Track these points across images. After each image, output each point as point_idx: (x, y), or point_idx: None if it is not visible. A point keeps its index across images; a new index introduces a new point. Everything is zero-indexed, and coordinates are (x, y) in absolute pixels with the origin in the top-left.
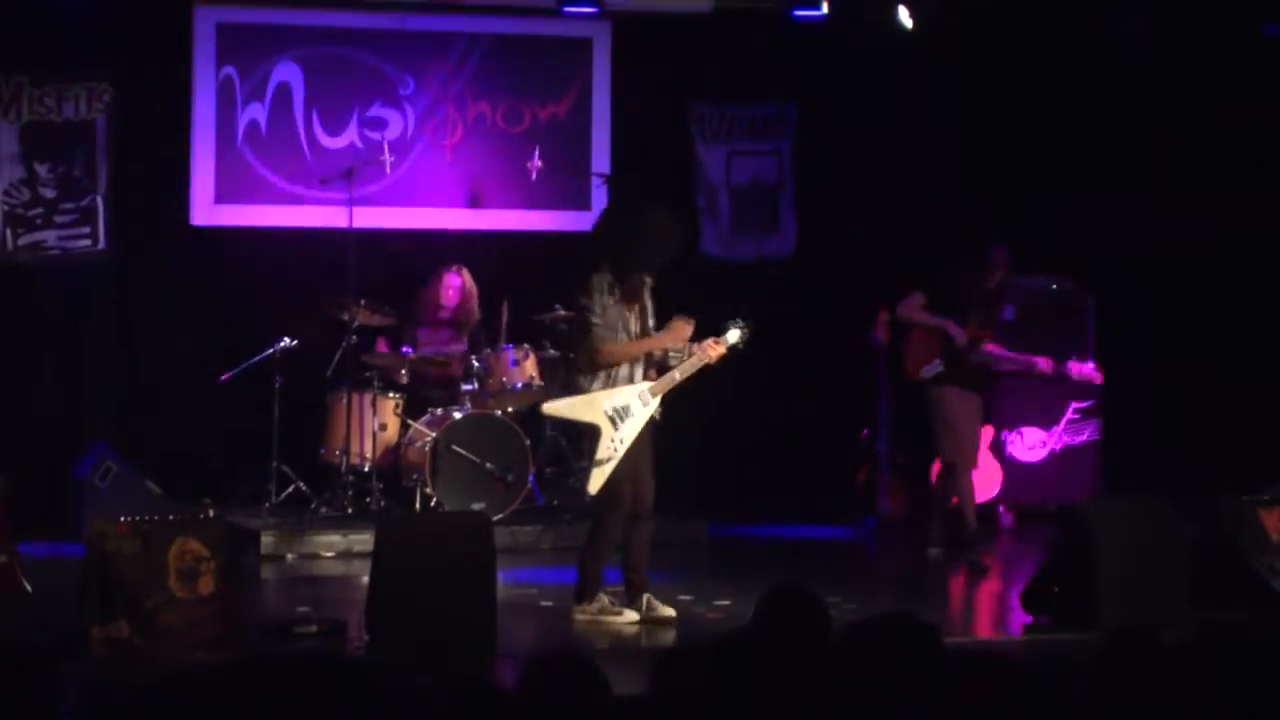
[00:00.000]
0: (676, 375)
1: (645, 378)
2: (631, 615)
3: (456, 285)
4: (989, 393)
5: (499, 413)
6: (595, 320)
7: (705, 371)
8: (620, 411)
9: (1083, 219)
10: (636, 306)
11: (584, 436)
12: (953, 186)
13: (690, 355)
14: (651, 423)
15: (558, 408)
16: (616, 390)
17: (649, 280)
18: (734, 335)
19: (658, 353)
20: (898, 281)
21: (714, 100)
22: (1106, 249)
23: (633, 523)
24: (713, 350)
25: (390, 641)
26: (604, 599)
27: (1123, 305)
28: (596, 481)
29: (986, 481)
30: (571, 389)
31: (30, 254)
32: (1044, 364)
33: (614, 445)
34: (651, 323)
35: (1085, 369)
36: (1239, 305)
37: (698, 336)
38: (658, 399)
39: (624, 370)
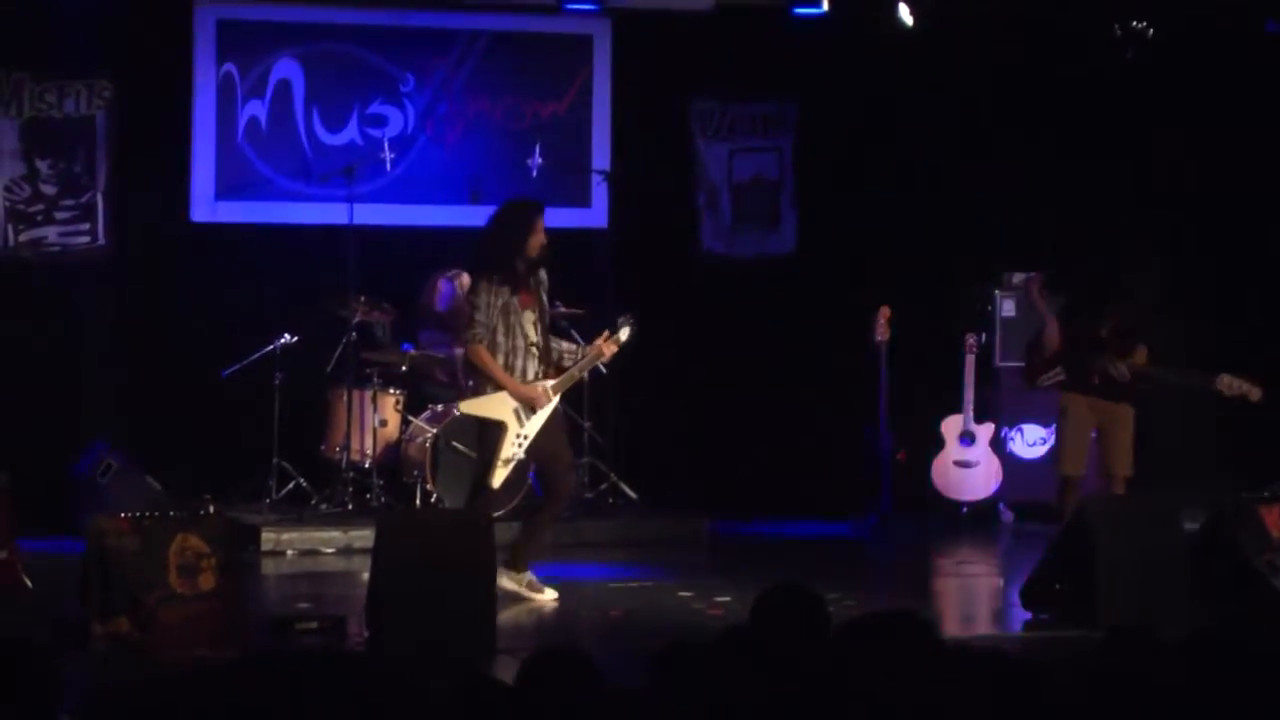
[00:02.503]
0: (575, 374)
1: (546, 376)
2: (552, 594)
3: (447, 294)
4: (1129, 399)
5: None
6: (476, 318)
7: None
8: (525, 409)
9: (1081, 216)
10: (534, 305)
11: (487, 434)
12: (952, 185)
13: (585, 355)
14: (559, 413)
15: (473, 405)
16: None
17: (543, 280)
18: (625, 332)
19: (554, 351)
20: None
21: (715, 98)
22: (1105, 246)
23: (546, 507)
24: (606, 349)
25: (391, 637)
26: (531, 575)
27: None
28: (499, 476)
29: (986, 479)
30: (480, 387)
31: (31, 250)
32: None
33: (519, 441)
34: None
35: (1242, 387)
36: (1240, 302)
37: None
38: (558, 396)
39: (518, 366)
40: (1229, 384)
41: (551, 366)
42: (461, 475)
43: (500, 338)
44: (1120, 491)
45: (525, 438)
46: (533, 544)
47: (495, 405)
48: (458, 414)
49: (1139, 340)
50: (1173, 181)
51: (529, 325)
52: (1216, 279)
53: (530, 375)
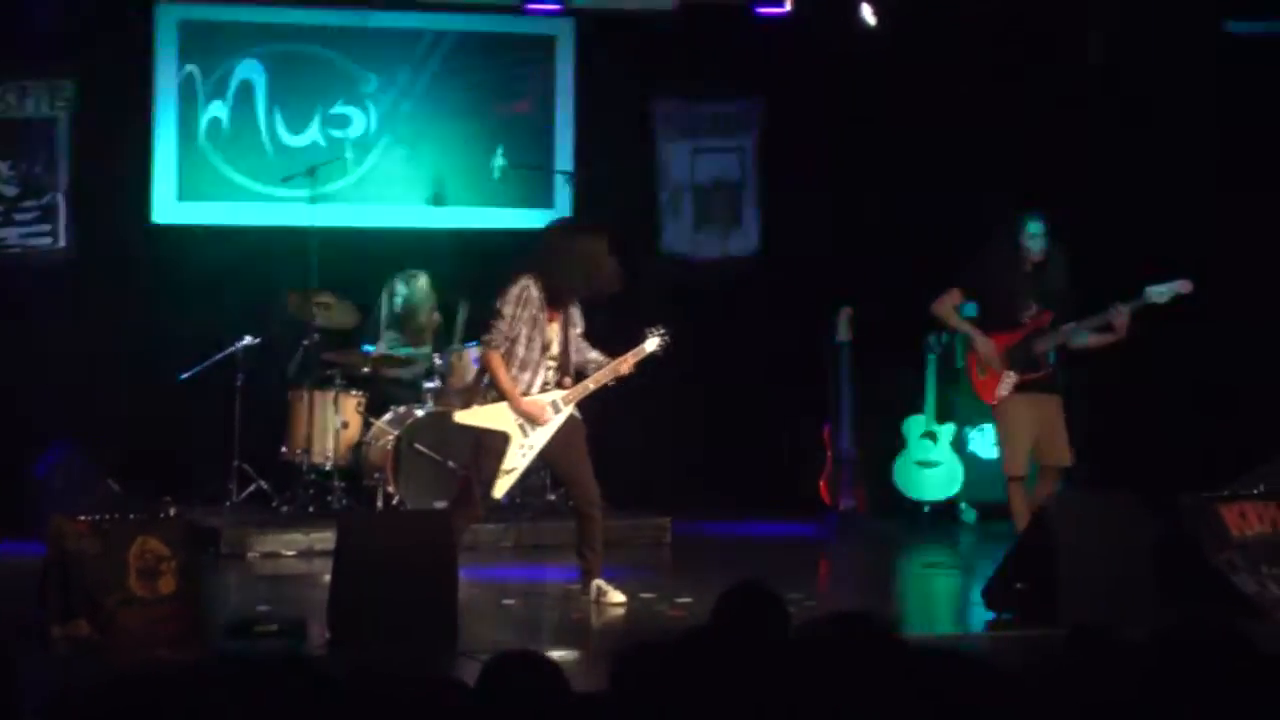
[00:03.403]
0: (590, 385)
1: (559, 385)
2: (621, 596)
3: (402, 294)
4: (1056, 389)
5: None
6: (497, 326)
7: (621, 380)
8: (530, 420)
9: (1045, 216)
10: (559, 317)
11: (489, 444)
12: (915, 184)
13: (607, 367)
14: (575, 422)
15: (469, 416)
16: (527, 399)
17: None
18: (652, 344)
19: (575, 358)
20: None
21: (677, 97)
22: (1071, 245)
23: (583, 520)
24: (629, 361)
25: (352, 640)
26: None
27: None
28: (502, 488)
29: (948, 479)
30: (483, 397)
31: None
32: (1119, 315)
33: (523, 452)
34: (579, 330)
35: (1167, 288)
36: (1205, 300)
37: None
38: (570, 407)
39: (525, 379)
40: (1159, 292)
41: (569, 376)
42: (423, 477)
43: (520, 349)
44: (1056, 483)
45: (530, 448)
46: (596, 555)
47: (497, 416)
48: (420, 416)
49: (1059, 315)
50: (1146, 179)
51: (553, 336)
52: (1200, 277)
53: (536, 388)
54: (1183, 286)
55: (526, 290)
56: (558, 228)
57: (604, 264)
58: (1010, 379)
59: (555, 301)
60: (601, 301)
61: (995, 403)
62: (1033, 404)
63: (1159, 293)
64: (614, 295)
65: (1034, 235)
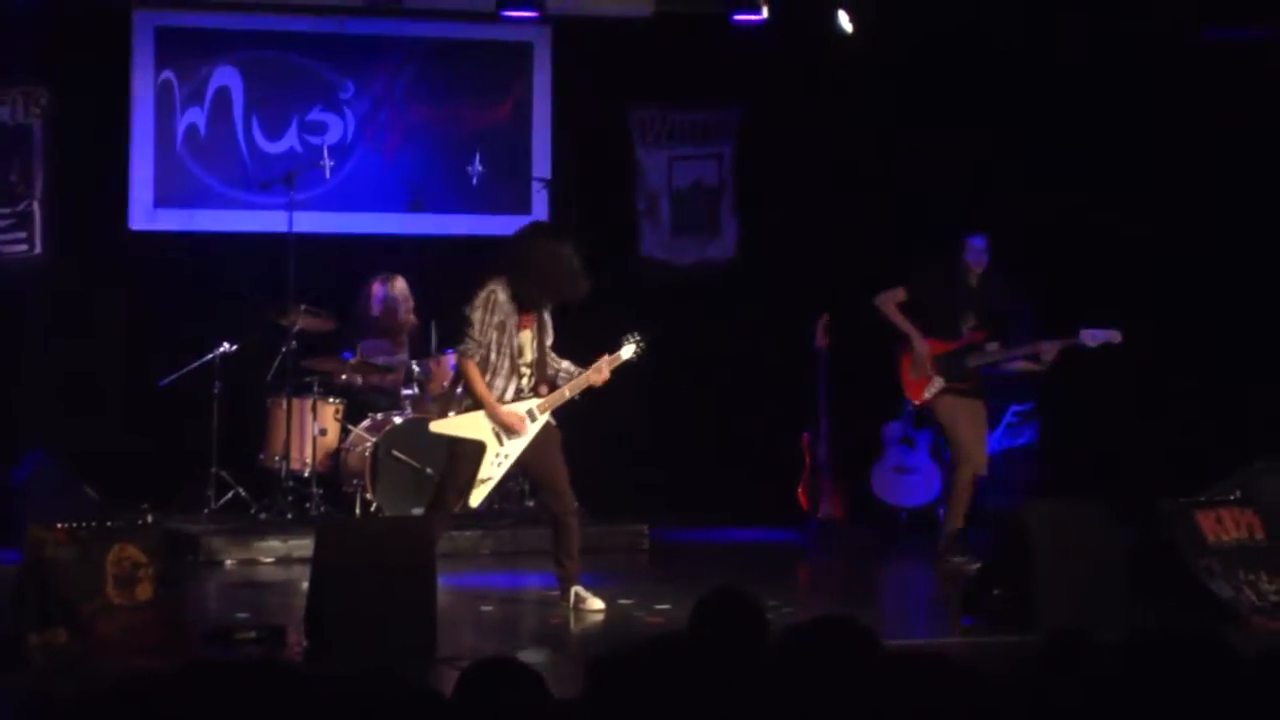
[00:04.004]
0: (566, 392)
1: (535, 392)
2: (599, 603)
3: (380, 296)
4: (982, 396)
5: None
6: (470, 334)
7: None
8: (506, 429)
9: (1018, 223)
10: (533, 324)
11: (465, 453)
12: (892, 190)
13: (581, 374)
14: (551, 430)
15: (445, 425)
16: (503, 408)
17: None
18: (628, 351)
19: (550, 369)
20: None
21: (655, 104)
22: (1043, 253)
23: (560, 528)
24: (605, 369)
25: (330, 647)
26: (578, 587)
27: (1059, 309)
28: (478, 497)
29: (926, 485)
30: (458, 405)
31: None
32: (1048, 349)
33: (498, 461)
34: (549, 340)
35: (1100, 334)
36: (1177, 308)
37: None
38: (546, 415)
39: (498, 385)
40: (1092, 336)
41: (545, 383)
42: (402, 484)
43: (491, 355)
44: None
45: (506, 457)
46: (574, 562)
47: (472, 425)
48: (398, 422)
49: (994, 330)
50: (1117, 181)
51: (525, 343)
52: (1155, 283)
53: (510, 395)
54: (1113, 337)
55: (493, 295)
56: (525, 232)
57: (571, 268)
58: (938, 384)
59: (524, 306)
60: (574, 300)
61: (919, 403)
62: (965, 406)
63: (1092, 337)
64: (583, 301)
65: (975, 249)
